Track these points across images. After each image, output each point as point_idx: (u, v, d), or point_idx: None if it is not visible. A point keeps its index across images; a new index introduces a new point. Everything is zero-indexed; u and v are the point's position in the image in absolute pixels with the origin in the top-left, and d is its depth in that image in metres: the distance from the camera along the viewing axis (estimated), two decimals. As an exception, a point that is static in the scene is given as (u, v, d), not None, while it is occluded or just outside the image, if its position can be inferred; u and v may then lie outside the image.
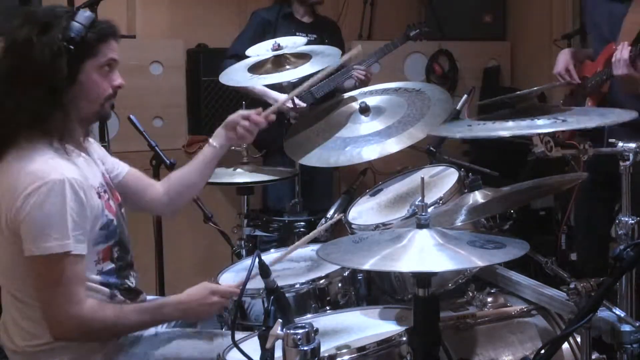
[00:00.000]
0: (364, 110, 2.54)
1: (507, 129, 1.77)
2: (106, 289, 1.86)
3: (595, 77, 2.82)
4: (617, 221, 1.89)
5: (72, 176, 1.73)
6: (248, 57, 2.83)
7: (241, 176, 2.92)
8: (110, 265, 1.89)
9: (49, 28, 1.76)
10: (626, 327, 1.76)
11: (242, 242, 3.02)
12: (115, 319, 1.79)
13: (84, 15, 1.80)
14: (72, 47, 1.75)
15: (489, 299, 2.07)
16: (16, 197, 1.69)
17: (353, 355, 1.65)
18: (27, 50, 1.75)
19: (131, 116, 2.83)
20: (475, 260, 1.52)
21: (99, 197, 1.84)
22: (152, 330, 1.95)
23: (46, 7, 1.88)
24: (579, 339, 1.84)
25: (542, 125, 1.75)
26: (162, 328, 2.10)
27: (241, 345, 1.55)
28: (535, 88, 2.77)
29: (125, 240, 1.97)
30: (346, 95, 2.79)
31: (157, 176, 2.87)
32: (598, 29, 2.90)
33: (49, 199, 1.68)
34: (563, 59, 2.98)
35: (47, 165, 1.72)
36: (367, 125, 2.50)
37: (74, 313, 1.72)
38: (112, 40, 1.86)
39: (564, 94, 3.27)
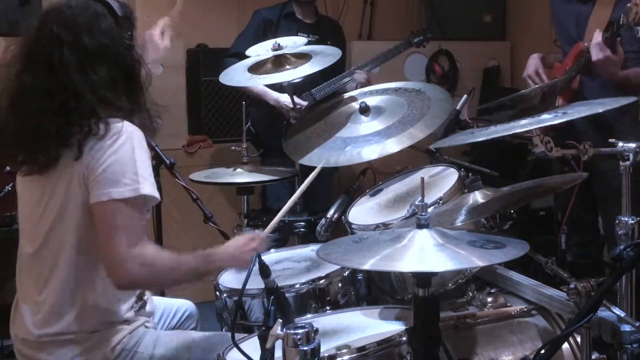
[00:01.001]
0: (364, 110, 2.54)
1: (508, 129, 1.79)
2: None
3: (565, 74, 2.86)
4: (617, 221, 1.90)
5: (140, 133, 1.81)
6: (248, 56, 2.83)
7: (241, 176, 2.92)
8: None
9: (108, 30, 1.81)
10: (626, 327, 1.76)
11: (242, 242, 3.02)
12: (176, 261, 1.81)
13: (117, 5, 1.85)
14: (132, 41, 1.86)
15: (489, 299, 2.07)
16: (99, 155, 1.74)
17: (353, 355, 1.66)
18: (109, 56, 1.80)
19: (131, 116, 2.82)
20: (475, 260, 1.52)
21: None
22: (152, 331, 1.95)
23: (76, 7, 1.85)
24: (579, 339, 1.84)
25: (543, 120, 1.77)
26: (162, 328, 2.11)
27: (241, 345, 1.55)
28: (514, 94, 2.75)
29: None
30: (346, 95, 2.79)
31: (157, 176, 2.87)
32: (566, 31, 2.94)
33: (123, 146, 1.74)
34: (532, 63, 3.02)
35: (119, 122, 1.78)
36: (367, 125, 2.51)
37: (137, 252, 1.73)
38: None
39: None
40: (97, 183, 1.73)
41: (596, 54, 2.59)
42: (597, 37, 2.59)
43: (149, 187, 1.76)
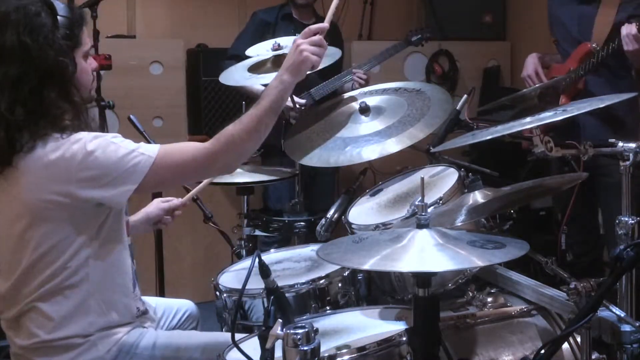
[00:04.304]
0: (364, 110, 2.54)
1: (508, 128, 1.79)
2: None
3: (570, 74, 2.87)
4: (617, 221, 1.89)
5: None
6: (248, 57, 2.83)
7: (241, 176, 2.92)
8: (129, 242, 1.92)
9: (38, 27, 1.71)
10: (626, 327, 1.76)
11: (242, 242, 3.03)
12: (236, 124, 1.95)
13: (61, 6, 1.78)
14: (68, 42, 1.76)
15: (489, 299, 2.07)
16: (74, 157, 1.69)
17: (353, 355, 1.65)
18: (26, 54, 1.70)
19: (131, 116, 2.83)
20: (475, 260, 1.52)
21: None
22: (151, 331, 1.95)
23: (11, 4, 1.75)
24: (579, 339, 1.84)
25: (542, 118, 1.76)
26: (162, 329, 2.11)
27: (241, 345, 1.55)
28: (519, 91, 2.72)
29: None
30: (346, 95, 2.79)
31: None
32: (566, 31, 2.97)
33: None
34: (531, 62, 3.05)
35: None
36: (367, 125, 2.50)
37: (208, 150, 1.84)
38: (84, 27, 1.87)
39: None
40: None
41: (630, 45, 2.63)
42: (631, 28, 2.63)
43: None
